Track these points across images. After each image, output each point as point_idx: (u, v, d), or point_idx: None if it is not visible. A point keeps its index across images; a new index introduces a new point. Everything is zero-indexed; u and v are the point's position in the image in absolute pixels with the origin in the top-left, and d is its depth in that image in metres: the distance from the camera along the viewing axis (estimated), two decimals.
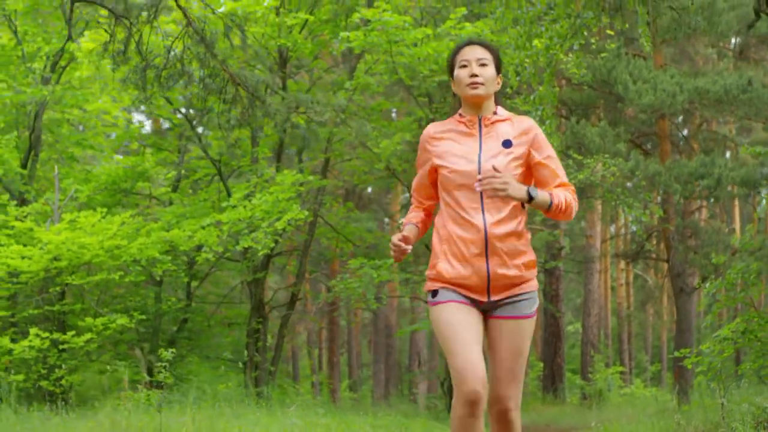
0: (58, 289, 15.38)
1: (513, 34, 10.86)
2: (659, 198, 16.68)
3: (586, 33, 10.92)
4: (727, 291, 8.97)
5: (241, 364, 15.35)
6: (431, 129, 4.11)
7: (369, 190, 27.31)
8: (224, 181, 16.75)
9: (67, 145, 18.19)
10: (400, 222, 4.17)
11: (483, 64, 3.98)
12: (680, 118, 20.53)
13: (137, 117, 25.83)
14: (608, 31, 14.58)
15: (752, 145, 24.27)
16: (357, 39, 13.85)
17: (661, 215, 15.81)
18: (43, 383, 14.81)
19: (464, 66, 3.99)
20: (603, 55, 15.13)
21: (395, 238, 3.95)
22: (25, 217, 16.00)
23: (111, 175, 18.78)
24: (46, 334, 14.72)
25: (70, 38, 14.68)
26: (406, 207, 25.20)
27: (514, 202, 3.90)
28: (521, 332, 3.97)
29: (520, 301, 3.97)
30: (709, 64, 21.33)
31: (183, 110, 18.40)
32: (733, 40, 22.08)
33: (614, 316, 40.56)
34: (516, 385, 3.96)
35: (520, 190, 3.81)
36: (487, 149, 3.94)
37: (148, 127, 24.80)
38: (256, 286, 16.62)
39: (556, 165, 4.03)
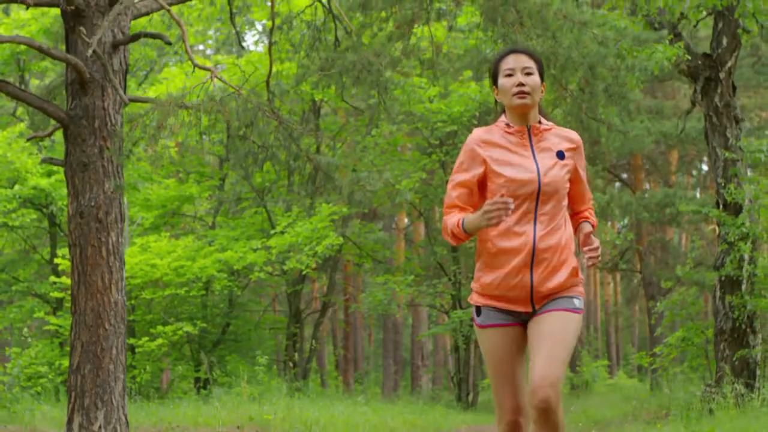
0: (133, 302, 18.44)
1: None
2: (626, 220, 19.69)
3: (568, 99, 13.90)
4: (671, 309, 12.07)
5: (291, 364, 18.39)
6: (481, 134, 3.93)
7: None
8: (267, 210, 19.74)
9: (133, 177, 21.06)
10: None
11: (528, 73, 3.87)
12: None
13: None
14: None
15: None
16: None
17: (632, 238, 18.96)
18: None
19: (509, 75, 3.88)
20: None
21: (492, 200, 3.68)
22: None
23: (161, 199, 21.76)
24: None
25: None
26: (411, 219, 28.21)
27: (562, 214, 3.87)
28: (565, 322, 3.77)
29: (563, 298, 3.83)
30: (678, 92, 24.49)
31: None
32: None
33: (602, 311, 43.51)
34: (557, 371, 3.67)
35: None
36: (542, 159, 3.84)
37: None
38: (294, 296, 19.72)
39: (586, 181, 4.08)
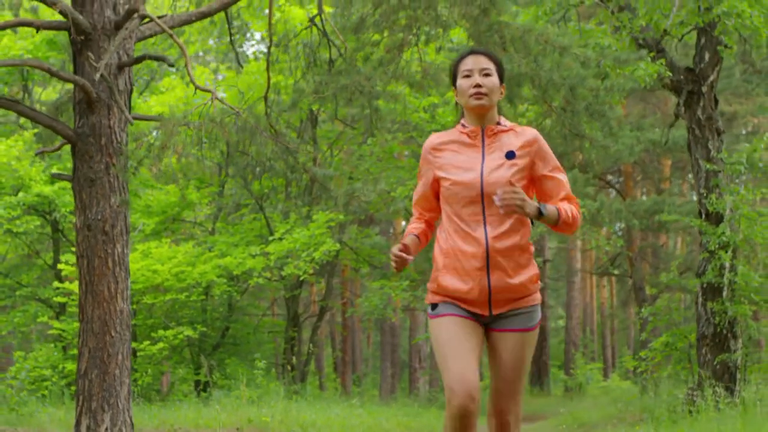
0: (134, 306, 18.86)
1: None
2: (618, 225, 20.21)
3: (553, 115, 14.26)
4: (654, 315, 12.52)
5: (290, 367, 18.81)
6: (433, 139, 3.96)
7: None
8: (266, 216, 20.18)
9: (134, 183, 21.48)
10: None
11: (486, 74, 3.87)
12: None
13: None
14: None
15: None
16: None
17: (622, 244, 19.46)
18: None
19: (467, 76, 3.88)
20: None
21: (395, 248, 3.82)
22: None
23: (161, 205, 22.18)
24: None
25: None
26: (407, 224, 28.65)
27: (516, 216, 3.79)
28: (524, 344, 3.86)
29: (522, 314, 3.85)
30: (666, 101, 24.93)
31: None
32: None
33: (598, 313, 43.87)
34: (517, 399, 3.89)
35: (533, 207, 3.73)
36: (490, 161, 3.82)
37: None
38: (292, 301, 20.16)
39: (562, 176, 3.92)
